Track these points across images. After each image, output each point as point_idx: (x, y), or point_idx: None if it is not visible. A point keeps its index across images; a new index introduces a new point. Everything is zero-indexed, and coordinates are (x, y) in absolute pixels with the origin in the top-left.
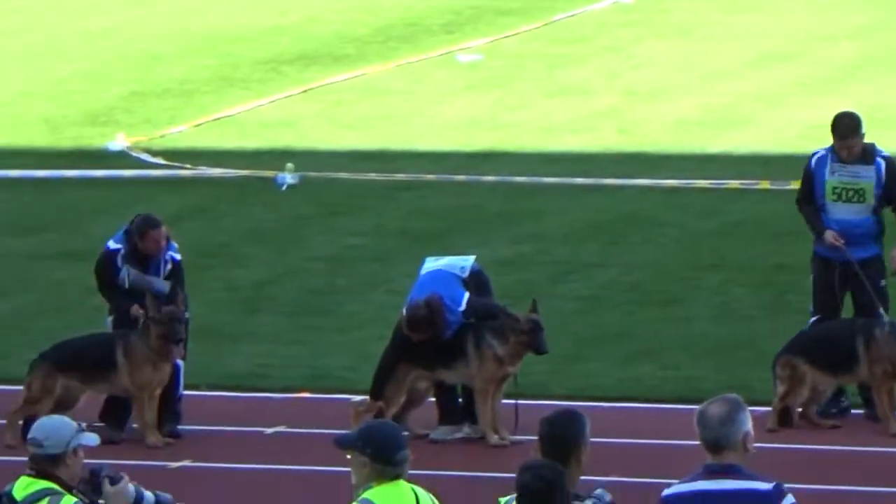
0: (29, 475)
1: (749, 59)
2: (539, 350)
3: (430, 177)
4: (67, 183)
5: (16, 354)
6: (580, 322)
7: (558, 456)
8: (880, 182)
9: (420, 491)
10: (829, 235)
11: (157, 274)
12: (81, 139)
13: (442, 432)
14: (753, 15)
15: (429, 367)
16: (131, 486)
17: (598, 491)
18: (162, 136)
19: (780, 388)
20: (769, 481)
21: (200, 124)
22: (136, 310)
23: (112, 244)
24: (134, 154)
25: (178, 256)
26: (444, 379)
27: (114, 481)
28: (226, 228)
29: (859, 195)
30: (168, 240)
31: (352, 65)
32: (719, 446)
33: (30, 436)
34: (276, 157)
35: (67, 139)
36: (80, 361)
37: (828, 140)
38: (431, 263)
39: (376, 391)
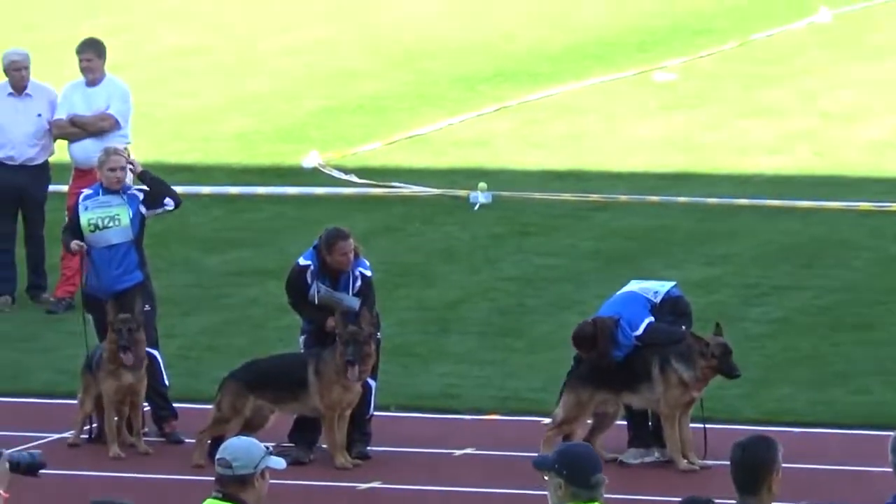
0: (216, 497)
1: None
2: (730, 374)
3: (623, 197)
4: (259, 200)
5: (206, 373)
6: (771, 345)
7: (750, 482)
8: None
9: None
10: None
11: (346, 290)
12: (274, 156)
13: (632, 455)
14: None
15: (614, 390)
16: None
17: None
18: (354, 154)
19: None
20: None
21: (393, 142)
22: (331, 323)
23: (302, 261)
24: (326, 171)
25: (368, 273)
26: (629, 403)
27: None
28: (417, 247)
29: None
30: (357, 254)
31: (546, 83)
32: None
33: (218, 456)
34: (469, 176)
35: (261, 156)
36: (271, 381)
37: None
38: (633, 285)
39: (561, 413)
